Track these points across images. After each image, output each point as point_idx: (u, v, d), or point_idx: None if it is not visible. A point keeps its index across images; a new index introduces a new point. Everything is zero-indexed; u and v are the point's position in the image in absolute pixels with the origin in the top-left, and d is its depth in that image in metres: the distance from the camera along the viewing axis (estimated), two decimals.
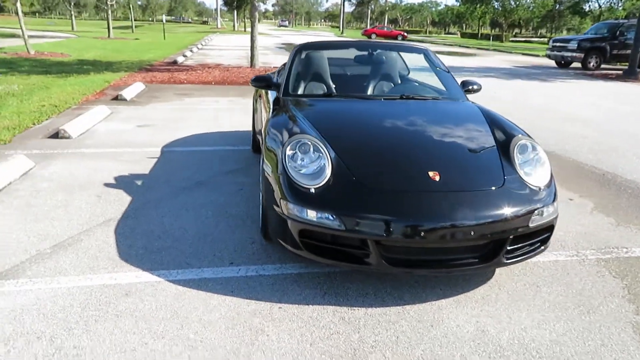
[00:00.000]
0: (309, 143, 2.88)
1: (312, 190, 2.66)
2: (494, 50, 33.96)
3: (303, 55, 4.26)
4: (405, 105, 3.77)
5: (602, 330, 2.51)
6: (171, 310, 2.54)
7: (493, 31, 68.56)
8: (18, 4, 16.53)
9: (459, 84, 4.25)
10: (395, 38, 46.97)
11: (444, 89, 4.20)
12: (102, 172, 4.74)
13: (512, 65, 21.03)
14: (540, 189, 2.84)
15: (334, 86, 4.06)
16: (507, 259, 2.71)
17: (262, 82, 4.04)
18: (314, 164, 2.79)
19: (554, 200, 2.87)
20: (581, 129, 7.61)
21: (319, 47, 4.46)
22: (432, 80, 4.42)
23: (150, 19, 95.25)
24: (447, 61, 22.06)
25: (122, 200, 4.03)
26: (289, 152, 2.85)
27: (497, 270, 3.07)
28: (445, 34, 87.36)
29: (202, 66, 15.39)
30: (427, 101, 3.91)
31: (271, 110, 3.64)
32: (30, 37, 18.30)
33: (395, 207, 2.57)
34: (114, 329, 2.37)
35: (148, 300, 2.62)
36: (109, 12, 30.40)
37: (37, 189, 4.24)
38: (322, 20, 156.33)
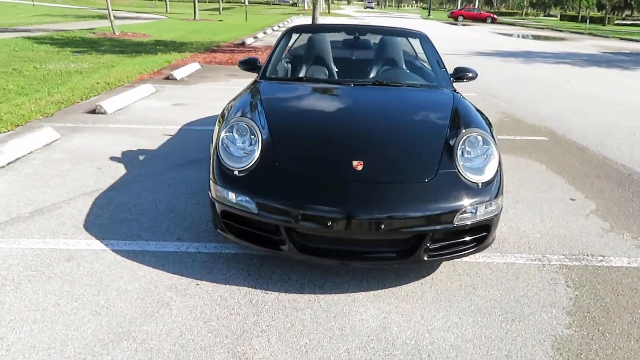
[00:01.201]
0: (247, 127, 2.92)
1: (236, 173, 2.70)
2: (589, 34, 31.28)
3: (291, 39, 4.26)
4: (372, 91, 3.67)
5: (516, 341, 2.35)
6: (98, 277, 2.73)
7: (601, 13, 62.91)
8: None
9: (451, 71, 4.04)
10: (484, 20, 44.72)
11: (429, 75, 4.02)
12: (115, 146, 5.08)
13: (600, 50, 19.33)
14: (478, 185, 2.67)
15: (313, 70, 4.03)
16: (429, 256, 2.60)
17: (247, 64, 4.11)
18: (245, 148, 2.83)
19: (494, 198, 2.69)
20: (618, 119, 6.90)
21: (309, 31, 4.42)
22: (425, 66, 4.24)
23: (242, 0, 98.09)
24: (525, 45, 20.90)
25: (117, 173, 4.32)
26: (224, 134, 2.91)
27: (441, 267, 2.95)
28: (544, 16, 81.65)
29: (267, 47, 15.70)
30: (399, 88, 3.77)
31: (241, 93, 3.70)
32: (125, 18, 19.68)
33: (307, 194, 2.55)
34: (39, 289, 2.60)
35: (84, 266, 2.83)
36: None
37: (50, 159, 4.65)
38: (414, 2, 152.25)
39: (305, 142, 2.92)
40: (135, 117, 6.36)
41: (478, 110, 3.47)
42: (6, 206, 3.57)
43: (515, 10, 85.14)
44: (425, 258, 2.59)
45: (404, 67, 4.15)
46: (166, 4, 43.57)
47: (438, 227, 2.54)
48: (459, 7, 58.95)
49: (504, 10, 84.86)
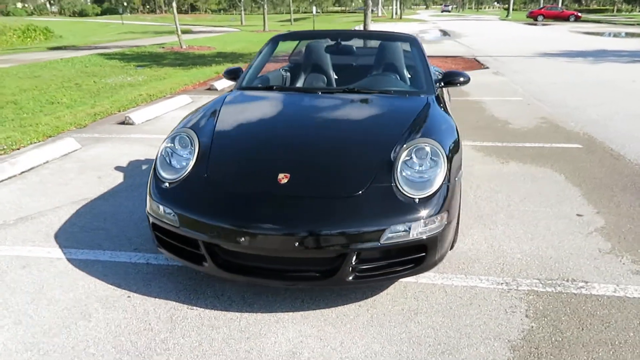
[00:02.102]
0: (188, 138, 2.87)
1: (167, 185, 2.66)
2: None
3: (274, 47, 4.18)
4: (337, 100, 3.49)
5: None
6: (39, 285, 2.79)
7: None
8: (174, 4, 18.73)
9: (438, 75, 3.77)
10: (567, 19, 42.02)
11: (411, 81, 3.76)
12: (126, 156, 5.26)
13: None
14: (415, 200, 2.43)
15: (289, 79, 3.93)
16: (356, 277, 2.39)
17: (231, 74, 4.08)
18: (182, 160, 2.78)
19: (435, 215, 2.43)
20: None
21: (293, 38, 4.32)
22: (411, 71, 3.97)
23: (319, 10, 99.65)
24: (602, 44, 19.22)
25: (114, 182, 4.45)
26: (164, 145, 2.89)
27: (391, 287, 2.72)
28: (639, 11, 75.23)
29: None
30: (370, 95, 3.54)
31: (207, 103, 3.67)
32: (200, 32, 20.62)
33: (222, 208, 2.44)
34: None
35: (33, 274, 2.91)
36: (265, 6, 32.68)
37: (61, 168, 4.90)
38: (496, 2, 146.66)
39: (240, 154, 2.81)
40: (161, 128, 6.56)
41: (448, 118, 3.18)
42: None
43: (606, 7, 79.31)
44: (351, 279, 2.38)
45: (387, 72, 3.92)
46: (241, 16, 45.26)
47: (362, 245, 2.33)
48: (541, 6, 55.92)
49: (594, 7, 79.36)
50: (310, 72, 4.20)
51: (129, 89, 9.62)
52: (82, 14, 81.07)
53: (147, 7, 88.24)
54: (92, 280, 2.84)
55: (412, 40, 4.08)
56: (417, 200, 2.43)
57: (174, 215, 2.52)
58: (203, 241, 2.44)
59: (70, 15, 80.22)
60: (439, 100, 3.51)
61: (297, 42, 4.89)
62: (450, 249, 2.99)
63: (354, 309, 2.56)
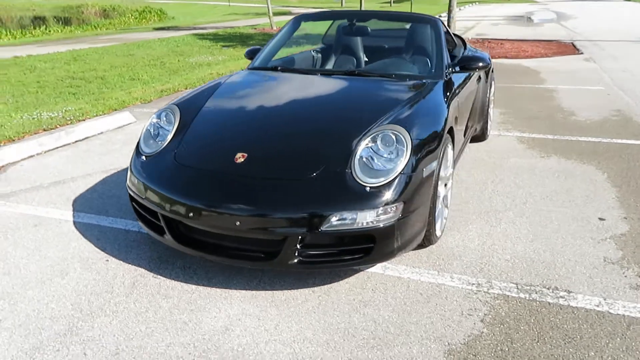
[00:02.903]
0: (172, 114, 2.98)
1: (144, 158, 2.79)
2: None
3: (295, 28, 4.15)
4: (332, 83, 3.40)
5: None
6: (39, 243, 3.08)
7: None
8: None
9: (455, 59, 3.54)
10: None
11: (422, 66, 3.56)
12: None
13: None
14: (366, 188, 2.33)
15: (319, 60, 3.91)
16: (301, 262, 2.36)
17: (252, 53, 4.14)
18: (165, 135, 2.89)
19: (389, 204, 2.31)
20: None
21: (317, 18, 4.24)
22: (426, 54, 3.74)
23: None
24: None
25: None
26: (151, 120, 3.02)
27: (355, 276, 2.65)
28: None
29: None
30: (369, 79, 3.40)
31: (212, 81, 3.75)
32: (299, 13, 20.93)
33: (179, 183, 2.52)
34: None
35: (40, 233, 3.21)
36: None
37: (110, 139, 5.31)
38: None
39: (210, 132, 2.87)
40: None
41: (441, 107, 2.97)
42: (38, 177, 4.21)
43: None
44: (295, 262, 2.36)
45: (402, 55, 3.73)
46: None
47: (303, 230, 2.29)
48: None
49: None
50: (340, 54, 4.15)
51: (205, 68, 10.08)
52: None
53: None
54: (84, 242, 3.08)
55: (432, 22, 3.84)
56: (368, 188, 2.33)
57: (142, 186, 2.65)
58: (161, 213, 2.54)
59: None
60: (448, 86, 3.30)
61: (330, 22, 4.82)
62: (430, 244, 2.85)
63: (306, 293, 2.54)
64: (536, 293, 2.48)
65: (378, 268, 2.72)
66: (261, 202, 2.33)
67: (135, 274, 2.73)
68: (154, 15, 33.43)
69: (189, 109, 3.03)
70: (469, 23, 21.43)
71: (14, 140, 5.01)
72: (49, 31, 21.84)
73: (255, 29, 19.79)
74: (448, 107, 3.03)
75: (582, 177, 3.98)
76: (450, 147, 3.01)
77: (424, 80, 3.32)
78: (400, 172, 2.39)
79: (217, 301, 2.48)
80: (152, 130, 2.97)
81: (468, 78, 3.86)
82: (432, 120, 2.78)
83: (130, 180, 2.80)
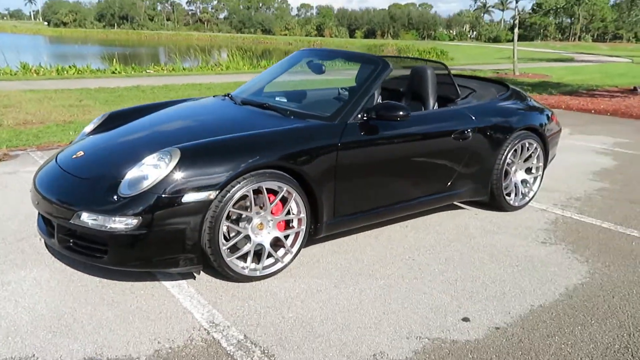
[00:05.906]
0: (102, 117, 3.77)
1: None
2: None
3: (295, 62, 4.24)
4: (237, 111, 3.63)
5: None
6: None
7: None
8: (515, 30, 18.39)
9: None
10: None
11: (329, 105, 3.46)
12: None
13: None
14: (114, 197, 2.65)
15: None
16: (66, 247, 2.82)
17: None
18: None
19: (123, 216, 2.59)
20: None
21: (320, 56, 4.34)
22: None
23: None
24: None
25: None
26: (96, 118, 3.86)
27: (150, 283, 2.92)
28: None
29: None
30: (261, 111, 3.53)
31: None
32: (582, 61, 19.76)
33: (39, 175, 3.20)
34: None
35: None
36: None
37: None
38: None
39: (93, 139, 3.49)
40: None
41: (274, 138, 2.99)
42: None
43: None
44: (61, 245, 2.84)
45: (339, 95, 3.64)
46: None
47: (58, 220, 2.78)
48: None
49: None
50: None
51: None
52: (495, 39, 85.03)
53: (560, 34, 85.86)
54: None
55: (374, 62, 3.57)
56: (115, 197, 2.65)
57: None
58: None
59: (485, 41, 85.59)
60: (346, 132, 3.16)
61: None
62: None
63: (100, 282, 2.92)
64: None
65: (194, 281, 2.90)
66: (56, 191, 2.92)
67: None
68: (432, 55, 34.95)
69: (123, 115, 3.79)
70: None
71: None
72: None
73: (497, 73, 19.10)
74: (290, 146, 2.96)
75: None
76: (297, 196, 2.95)
77: (310, 121, 3.24)
78: (146, 190, 2.61)
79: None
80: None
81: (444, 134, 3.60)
82: (235, 152, 2.83)
83: None
